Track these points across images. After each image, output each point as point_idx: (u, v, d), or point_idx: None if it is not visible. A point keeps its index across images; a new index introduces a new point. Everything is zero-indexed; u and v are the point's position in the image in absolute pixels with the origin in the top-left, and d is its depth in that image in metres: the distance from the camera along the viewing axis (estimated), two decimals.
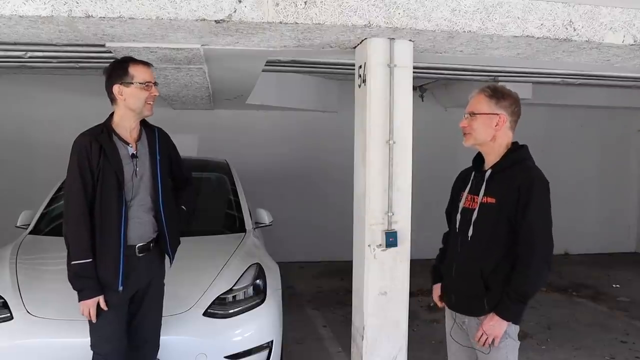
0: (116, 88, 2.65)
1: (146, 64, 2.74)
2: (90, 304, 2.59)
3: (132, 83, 2.64)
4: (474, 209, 2.42)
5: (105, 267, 2.61)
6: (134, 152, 2.73)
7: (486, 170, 2.44)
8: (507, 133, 2.41)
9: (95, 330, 2.69)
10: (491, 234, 2.36)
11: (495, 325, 2.30)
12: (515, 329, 2.39)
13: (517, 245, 2.30)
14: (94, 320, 2.61)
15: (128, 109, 2.68)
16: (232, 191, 4.85)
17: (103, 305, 2.60)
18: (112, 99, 2.70)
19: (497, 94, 2.40)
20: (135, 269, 2.72)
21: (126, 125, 2.72)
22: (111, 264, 2.62)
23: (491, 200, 2.37)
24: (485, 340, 2.32)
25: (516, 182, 2.31)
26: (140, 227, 2.74)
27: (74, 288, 2.62)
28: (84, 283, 2.59)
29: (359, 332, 3.66)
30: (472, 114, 2.41)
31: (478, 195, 2.42)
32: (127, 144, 2.72)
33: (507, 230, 2.32)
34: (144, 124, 2.83)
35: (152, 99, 2.70)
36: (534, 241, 2.26)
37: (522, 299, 2.29)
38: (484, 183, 2.42)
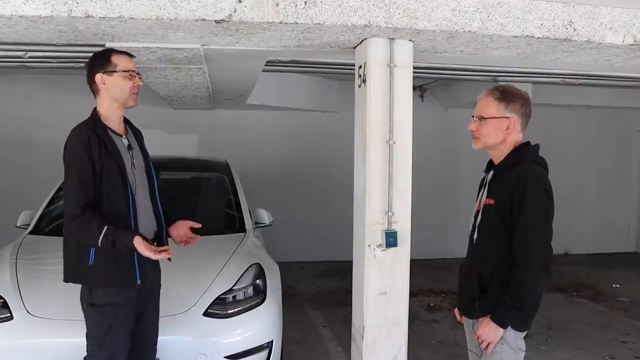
0: (99, 77, 2.56)
1: (128, 54, 2.67)
2: (140, 241, 2.43)
3: (115, 71, 2.55)
4: (479, 211, 2.38)
5: (121, 263, 2.52)
6: (129, 144, 2.68)
7: (490, 171, 2.40)
8: (517, 135, 2.33)
9: (100, 331, 2.58)
10: (489, 236, 2.31)
11: (489, 331, 2.25)
12: (515, 336, 2.30)
13: (513, 249, 2.22)
14: (164, 255, 2.48)
15: (112, 99, 2.59)
16: (232, 191, 4.85)
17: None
18: (95, 91, 2.61)
19: (507, 96, 2.30)
20: (145, 265, 2.62)
21: (114, 118, 2.63)
22: (126, 258, 2.52)
23: (491, 201, 2.31)
24: (482, 343, 2.29)
25: (510, 183, 2.23)
26: (146, 219, 2.68)
27: (118, 247, 2.44)
28: (123, 237, 2.44)
29: (359, 332, 3.66)
30: (481, 117, 2.32)
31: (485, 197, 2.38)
32: (120, 135, 2.65)
33: (504, 232, 2.24)
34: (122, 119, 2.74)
35: (136, 89, 2.62)
36: (528, 245, 2.17)
37: (518, 306, 2.20)
38: (487, 184, 2.39)
